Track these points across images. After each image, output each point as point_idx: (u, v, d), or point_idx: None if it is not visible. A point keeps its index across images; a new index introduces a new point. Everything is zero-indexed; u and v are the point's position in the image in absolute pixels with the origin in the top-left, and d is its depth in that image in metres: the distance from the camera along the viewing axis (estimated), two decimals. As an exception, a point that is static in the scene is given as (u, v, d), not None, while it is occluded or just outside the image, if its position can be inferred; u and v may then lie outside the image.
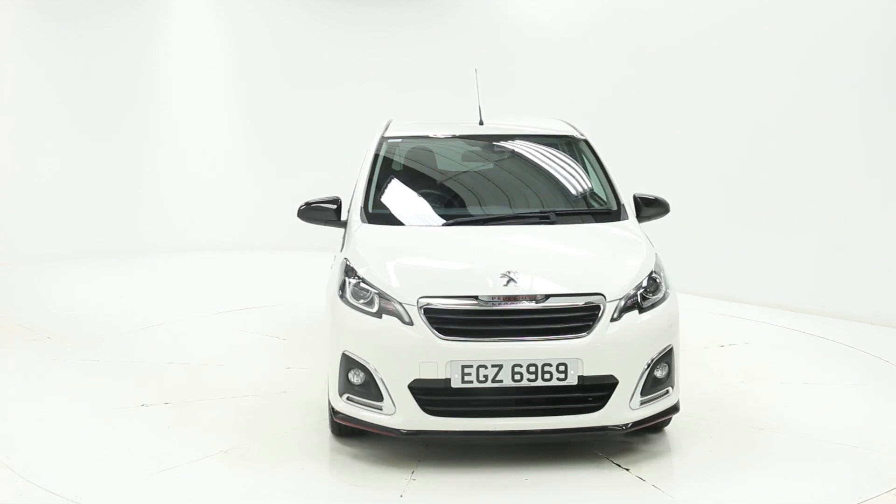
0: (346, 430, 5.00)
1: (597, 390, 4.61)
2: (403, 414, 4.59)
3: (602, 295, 4.66)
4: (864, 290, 8.09)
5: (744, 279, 8.93)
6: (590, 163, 5.92)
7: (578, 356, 4.55)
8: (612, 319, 4.65)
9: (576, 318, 4.61)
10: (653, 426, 5.11)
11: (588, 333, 4.58)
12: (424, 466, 4.74)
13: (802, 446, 5.05)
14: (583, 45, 10.11)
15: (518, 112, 8.61)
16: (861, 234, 8.08)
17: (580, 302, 4.63)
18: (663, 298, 4.88)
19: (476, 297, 4.61)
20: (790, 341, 7.45)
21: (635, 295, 4.76)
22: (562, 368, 4.55)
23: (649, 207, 5.78)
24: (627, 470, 4.70)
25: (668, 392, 4.85)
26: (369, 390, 4.67)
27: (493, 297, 4.61)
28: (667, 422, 5.15)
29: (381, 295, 4.70)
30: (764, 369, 6.56)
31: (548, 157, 6.08)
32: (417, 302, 4.60)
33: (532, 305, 4.60)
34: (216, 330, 7.74)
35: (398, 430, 4.61)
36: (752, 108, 8.71)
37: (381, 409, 4.64)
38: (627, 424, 4.66)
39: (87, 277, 10.18)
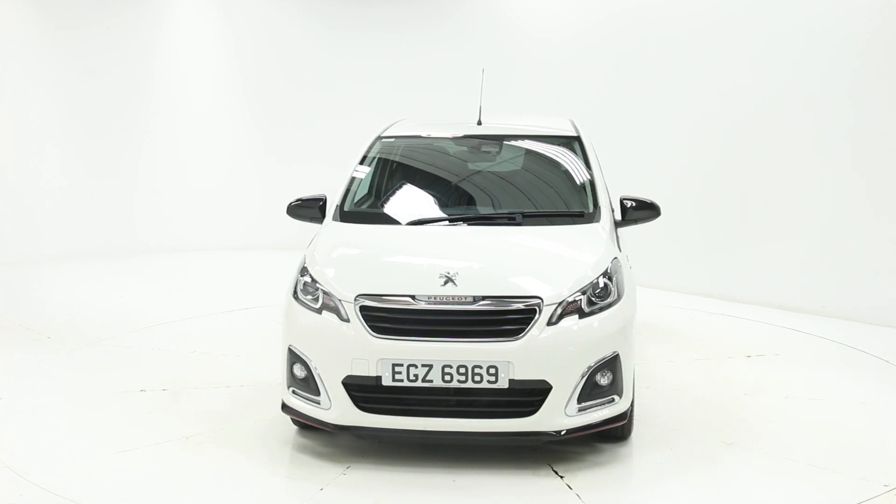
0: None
1: (529, 395, 4.54)
2: (338, 409, 4.66)
3: (539, 298, 4.58)
4: (864, 291, 8.06)
5: (743, 279, 8.96)
6: (579, 162, 5.80)
7: (509, 359, 4.49)
8: (550, 323, 4.56)
9: (510, 321, 4.55)
10: (614, 435, 5.01)
11: (521, 337, 4.52)
12: (362, 462, 4.80)
13: (764, 464, 4.79)
14: (586, 43, 10.15)
15: (526, 111, 8.54)
16: (861, 234, 8.08)
17: (515, 305, 4.57)
18: (612, 304, 4.74)
19: (412, 297, 4.63)
20: (821, 353, 7.08)
21: (578, 299, 4.65)
22: (492, 371, 4.50)
23: (636, 210, 5.60)
24: (561, 478, 4.60)
25: (613, 400, 4.70)
26: (309, 384, 4.77)
27: (428, 296, 4.61)
28: (627, 430, 5.01)
29: (325, 292, 4.79)
30: (777, 382, 6.24)
31: (536, 157, 6.00)
32: (355, 300, 4.66)
33: (466, 307, 4.57)
34: (229, 325, 7.85)
35: (333, 425, 4.69)
36: (755, 108, 8.73)
37: (318, 404, 4.73)
38: (562, 431, 4.57)
39: (87, 277, 10.22)
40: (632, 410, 5.17)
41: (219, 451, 4.98)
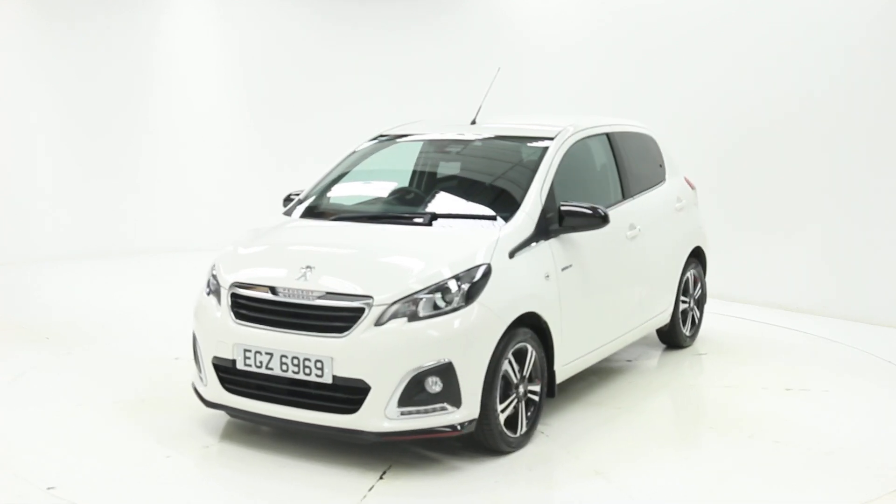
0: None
1: (350, 392, 4.59)
2: (210, 387, 5.06)
3: (370, 298, 4.60)
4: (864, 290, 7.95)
5: (743, 278, 8.79)
6: (533, 165, 5.55)
7: (332, 355, 4.59)
8: (378, 324, 4.57)
9: (339, 318, 4.64)
10: (494, 448, 4.85)
11: (346, 334, 4.59)
12: (233, 440, 5.12)
13: (601, 497, 4.37)
14: (588, 42, 9.94)
15: (538, 110, 8.05)
16: (862, 234, 7.99)
17: (345, 302, 4.64)
18: (453, 311, 4.60)
19: (272, 288, 4.88)
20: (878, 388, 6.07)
21: (414, 302, 4.59)
22: (319, 365, 4.63)
23: (571, 218, 5.30)
24: (381, 479, 4.58)
25: (444, 409, 4.58)
26: (197, 362, 5.22)
27: (283, 289, 4.84)
28: (488, 440, 4.79)
29: (217, 279, 5.20)
30: (770, 421, 5.44)
31: (496, 158, 5.87)
32: (229, 287, 5.02)
33: (306, 301, 4.74)
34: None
35: (206, 401, 5.10)
36: (757, 108, 8.63)
37: (202, 381, 5.16)
38: (381, 433, 4.56)
39: (87, 277, 10.06)
40: (529, 426, 5.03)
41: (146, 415, 5.51)
